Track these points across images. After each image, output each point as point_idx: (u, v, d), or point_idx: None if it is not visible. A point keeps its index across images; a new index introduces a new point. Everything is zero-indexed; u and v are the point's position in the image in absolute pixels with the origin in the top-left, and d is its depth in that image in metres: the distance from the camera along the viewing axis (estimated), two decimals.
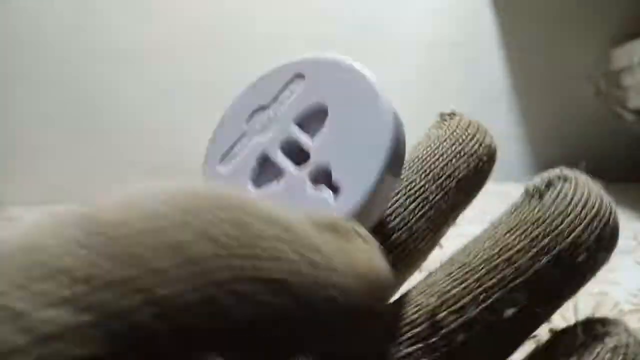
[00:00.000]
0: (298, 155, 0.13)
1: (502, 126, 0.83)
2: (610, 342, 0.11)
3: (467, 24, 0.82)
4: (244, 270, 0.07)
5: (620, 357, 0.10)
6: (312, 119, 0.13)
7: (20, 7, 0.80)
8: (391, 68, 0.83)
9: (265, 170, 0.13)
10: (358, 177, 0.12)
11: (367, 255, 0.10)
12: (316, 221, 0.09)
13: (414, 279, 0.15)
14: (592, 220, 0.12)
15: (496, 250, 0.12)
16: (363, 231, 0.10)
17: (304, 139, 0.13)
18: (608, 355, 0.10)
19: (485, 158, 0.15)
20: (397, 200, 0.15)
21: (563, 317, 0.30)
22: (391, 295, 0.12)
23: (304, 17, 0.82)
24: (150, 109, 0.83)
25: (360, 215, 0.12)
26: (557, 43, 0.82)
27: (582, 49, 0.81)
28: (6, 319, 0.06)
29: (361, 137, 0.12)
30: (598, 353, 0.11)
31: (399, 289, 0.14)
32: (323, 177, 0.12)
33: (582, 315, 0.30)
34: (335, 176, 0.12)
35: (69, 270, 0.06)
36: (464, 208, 0.16)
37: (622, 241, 0.43)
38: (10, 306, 0.06)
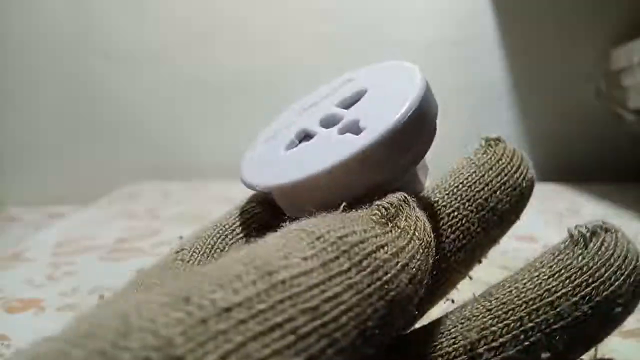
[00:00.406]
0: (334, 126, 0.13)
1: (502, 126, 0.83)
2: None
3: (467, 24, 0.82)
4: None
5: None
6: (353, 102, 0.14)
7: (18, 7, 0.80)
8: None
9: (301, 142, 0.14)
10: (381, 118, 0.12)
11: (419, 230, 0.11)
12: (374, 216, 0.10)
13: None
14: (631, 273, 0.12)
15: (539, 293, 0.12)
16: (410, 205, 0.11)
17: (340, 111, 0.13)
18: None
19: (527, 192, 0.15)
20: (439, 228, 0.14)
21: None
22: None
23: (303, 17, 0.82)
24: (150, 109, 0.83)
25: (383, 153, 0.12)
26: (557, 43, 0.82)
27: (582, 49, 0.81)
28: None
29: (391, 96, 0.13)
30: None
31: (426, 313, 0.14)
32: (351, 129, 0.13)
33: None
34: (361, 123, 0.13)
35: None
36: (498, 242, 0.16)
37: None
38: None
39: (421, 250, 0.10)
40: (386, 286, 0.09)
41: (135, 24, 0.82)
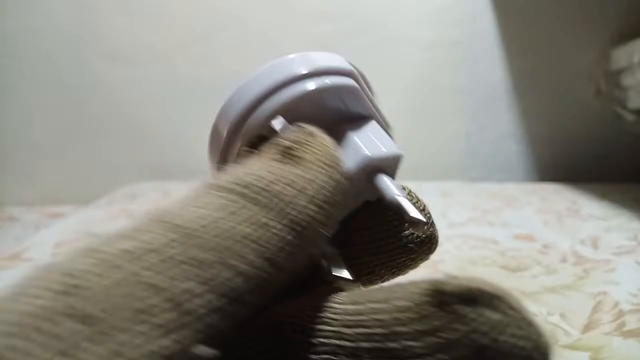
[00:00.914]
0: None
1: (502, 126, 0.83)
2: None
3: (467, 24, 0.82)
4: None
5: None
6: None
7: (18, 7, 0.80)
8: (391, 68, 0.83)
9: None
10: None
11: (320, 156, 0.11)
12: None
13: None
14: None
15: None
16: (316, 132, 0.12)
17: None
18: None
19: None
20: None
21: (562, 316, 0.30)
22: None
23: (303, 17, 0.82)
24: (149, 109, 0.83)
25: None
26: (557, 43, 0.82)
27: (582, 49, 0.81)
28: None
29: None
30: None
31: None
32: None
33: (581, 316, 0.30)
34: None
35: None
36: None
37: (622, 241, 0.44)
38: None
39: (325, 178, 0.11)
40: (287, 214, 0.10)
41: (135, 24, 0.82)
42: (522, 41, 0.82)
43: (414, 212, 0.12)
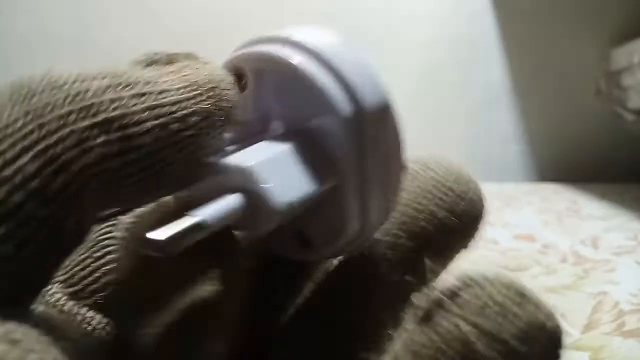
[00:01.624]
0: None
1: (502, 126, 0.84)
2: (466, 295, 0.08)
3: (467, 24, 0.82)
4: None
5: (481, 311, 0.08)
6: None
7: (18, 7, 0.80)
8: (391, 68, 0.83)
9: None
10: None
11: (203, 70, 0.10)
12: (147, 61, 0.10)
13: None
14: None
15: None
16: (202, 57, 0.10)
17: None
18: (464, 311, 0.08)
19: None
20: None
21: (562, 316, 0.30)
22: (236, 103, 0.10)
23: (303, 16, 0.82)
24: None
25: None
26: (557, 43, 0.82)
27: (582, 49, 0.81)
28: None
29: None
30: (452, 310, 0.08)
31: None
32: None
33: (581, 316, 0.30)
34: None
35: None
36: None
37: (622, 241, 0.44)
38: None
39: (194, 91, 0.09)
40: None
41: (135, 24, 0.82)
42: (522, 41, 0.82)
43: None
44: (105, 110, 0.08)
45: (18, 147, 0.08)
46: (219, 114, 0.09)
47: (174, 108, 0.09)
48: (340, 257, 0.12)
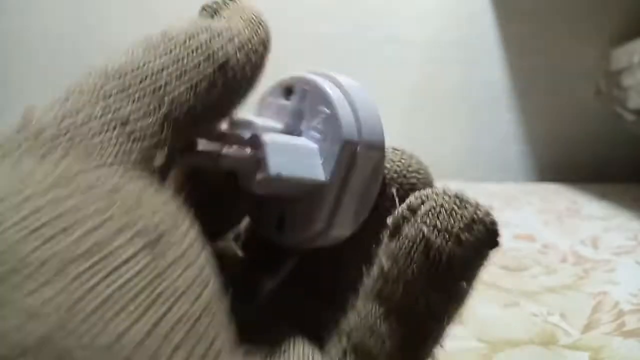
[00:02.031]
0: None
1: (502, 126, 0.84)
2: (422, 209, 0.12)
3: (467, 24, 0.82)
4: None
5: (433, 217, 0.11)
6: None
7: (18, 7, 0.80)
8: (391, 68, 0.83)
9: None
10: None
11: (246, 14, 0.13)
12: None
13: None
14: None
15: None
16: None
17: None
18: (418, 220, 0.11)
19: None
20: None
21: (562, 315, 0.30)
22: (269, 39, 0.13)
23: (303, 16, 0.82)
24: None
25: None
26: (557, 43, 0.82)
27: (582, 49, 0.81)
28: None
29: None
30: (414, 221, 0.11)
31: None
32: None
33: (581, 316, 0.30)
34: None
35: None
36: None
37: (622, 241, 0.44)
38: None
39: (246, 28, 0.13)
40: (211, 55, 0.11)
41: (135, 24, 0.82)
42: (522, 41, 0.82)
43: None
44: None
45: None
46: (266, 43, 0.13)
47: (250, 44, 0.12)
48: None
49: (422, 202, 0.12)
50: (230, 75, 0.12)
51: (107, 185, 0.09)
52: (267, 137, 0.13)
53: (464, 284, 0.11)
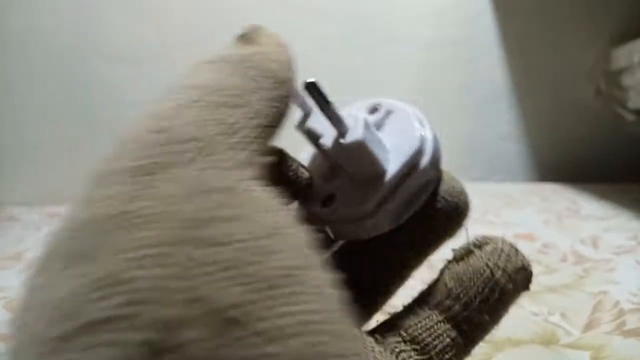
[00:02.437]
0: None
1: (502, 126, 0.84)
2: (488, 247, 0.15)
3: (467, 24, 0.82)
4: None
5: (497, 256, 0.15)
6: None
7: (18, 6, 0.80)
8: (391, 68, 0.83)
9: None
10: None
11: (277, 40, 0.16)
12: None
13: None
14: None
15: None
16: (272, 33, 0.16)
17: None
18: (486, 255, 0.15)
19: None
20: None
21: (563, 315, 0.30)
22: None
23: (303, 16, 0.82)
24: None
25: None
26: (557, 43, 0.82)
27: (582, 49, 0.81)
28: None
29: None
30: (480, 255, 0.15)
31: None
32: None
33: (581, 316, 0.30)
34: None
35: None
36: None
37: (622, 241, 0.44)
38: None
39: (277, 49, 0.15)
40: (273, 75, 0.14)
41: (136, 24, 0.82)
42: (522, 41, 0.82)
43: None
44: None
45: None
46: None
47: (289, 64, 0.15)
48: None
49: (487, 243, 0.15)
50: (285, 90, 0.14)
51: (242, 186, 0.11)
52: (363, 115, 0.16)
53: (504, 312, 0.15)
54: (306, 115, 0.17)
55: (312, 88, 0.16)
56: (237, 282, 0.08)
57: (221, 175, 0.10)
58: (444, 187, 0.17)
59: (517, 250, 0.15)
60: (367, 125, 0.15)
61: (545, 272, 0.36)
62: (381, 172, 0.15)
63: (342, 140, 0.15)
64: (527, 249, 0.41)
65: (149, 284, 0.08)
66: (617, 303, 0.30)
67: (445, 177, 0.17)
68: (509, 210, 0.57)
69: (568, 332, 0.27)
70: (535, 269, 0.39)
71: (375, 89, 0.81)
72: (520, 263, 0.15)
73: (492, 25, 0.82)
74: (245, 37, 0.16)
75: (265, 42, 0.16)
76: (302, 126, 0.16)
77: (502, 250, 0.15)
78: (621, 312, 0.29)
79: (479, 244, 0.15)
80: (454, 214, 0.17)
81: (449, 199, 0.17)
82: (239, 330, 0.08)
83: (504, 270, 0.15)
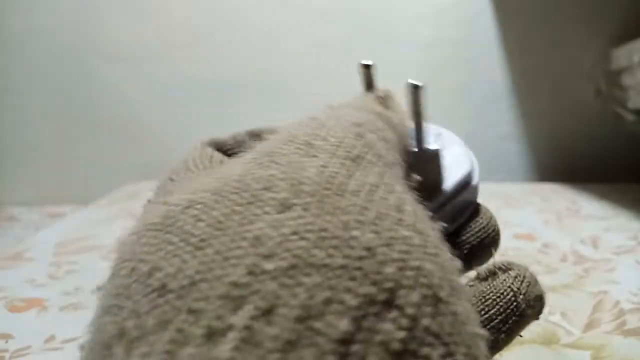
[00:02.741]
0: None
1: (502, 126, 0.84)
2: (512, 272, 0.16)
3: (467, 24, 0.82)
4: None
5: (519, 282, 0.16)
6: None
7: (18, 6, 0.80)
8: (391, 68, 0.83)
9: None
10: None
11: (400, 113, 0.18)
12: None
13: None
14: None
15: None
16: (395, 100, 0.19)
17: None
18: (510, 279, 0.16)
19: None
20: None
21: (563, 315, 0.30)
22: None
23: (303, 16, 0.82)
24: (150, 108, 0.83)
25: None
26: (557, 43, 0.82)
27: (582, 49, 0.81)
28: None
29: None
30: (504, 278, 0.16)
31: None
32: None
33: (582, 315, 0.30)
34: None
35: None
36: None
37: (622, 241, 0.44)
38: None
39: (404, 115, 0.18)
40: (402, 133, 0.16)
41: (135, 24, 0.82)
42: (522, 41, 0.82)
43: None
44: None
45: None
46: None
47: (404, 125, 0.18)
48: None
49: (511, 268, 0.17)
50: (399, 134, 0.16)
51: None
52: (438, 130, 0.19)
53: (517, 334, 0.16)
54: None
55: (417, 91, 0.18)
56: (438, 266, 0.10)
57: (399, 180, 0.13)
58: (484, 219, 0.20)
59: (536, 280, 0.17)
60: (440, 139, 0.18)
61: (546, 272, 0.36)
62: (440, 182, 0.18)
63: (423, 147, 0.17)
64: (527, 249, 0.41)
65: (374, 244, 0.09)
66: (617, 303, 0.30)
67: (484, 209, 0.20)
68: (509, 210, 0.57)
69: (568, 332, 0.27)
70: (535, 269, 0.40)
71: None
72: (539, 292, 0.17)
73: (492, 25, 0.82)
74: (384, 99, 0.19)
75: (397, 108, 0.19)
76: None
77: (524, 277, 0.17)
78: (621, 312, 0.29)
79: (505, 268, 0.17)
80: (486, 245, 0.19)
81: (487, 230, 0.20)
82: (442, 307, 0.09)
83: (524, 295, 0.16)
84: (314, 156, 0.12)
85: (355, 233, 0.09)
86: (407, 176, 0.16)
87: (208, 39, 0.82)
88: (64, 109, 0.83)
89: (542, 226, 0.50)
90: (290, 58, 0.82)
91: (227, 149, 0.19)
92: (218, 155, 0.18)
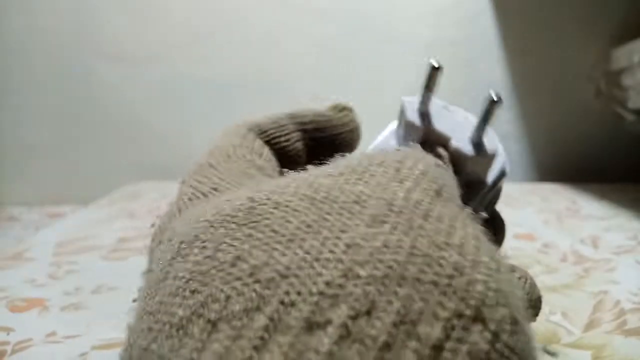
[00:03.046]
0: None
1: (502, 126, 0.84)
2: (516, 274, 0.18)
3: (467, 24, 0.82)
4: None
5: (523, 283, 0.18)
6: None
7: (18, 6, 0.80)
8: (391, 68, 0.83)
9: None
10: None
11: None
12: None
13: None
14: None
15: None
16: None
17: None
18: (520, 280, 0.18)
19: None
20: None
21: (563, 314, 0.30)
22: None
23: (303, 16, 0.82)
24: (150, 109, 0.83)
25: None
26: (557, 43, 0.82)
27: (582, 49, 0.81)
28: None
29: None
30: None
31: None
32: None
33: (582, 315, 0.30)
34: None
35: None
36: None
37: (622, 241, 0.44)
38: None
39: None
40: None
41: (135, 24, 0.82)
42: (522, 41, 0.82)
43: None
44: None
45: None
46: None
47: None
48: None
49: (515, 270, 0.18)
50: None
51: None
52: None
53: None
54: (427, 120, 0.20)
55: (497, 103, 0.19)
56: (511, 290, 0.11)
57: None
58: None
59: (535, 284, 0.18)
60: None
61: (546, 272, 0.36)
62: (486, 176, 0.19)
63: (484, 147, 0.19)
64: (527, 249, 0.41)
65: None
66: (617, 303, 0.31)
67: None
68: (509, 210, 0.57)
69: (569, 332, 0.27)
70: (536, 269, 0.39)
71: (375, 89, 0.81)
72: (538, 294, 0.18)
73: (492, 25, 0.82)
74: (442, 158, 0.20)
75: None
76: (430, 128, 0.20)
77: (526, 279, 0.18)
78: (622, 312, 0.29)
79: (513, 269, 0.18)
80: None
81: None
82: (518, 326, 0.10)
83: (528, 296, 0.17)
84: (401, 182, 0.12)
85: (444, 253, 0.10)
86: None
87: (208, 39, 0.82)
88: (64, 109, 0.83)
89: (542, 226, 0.50)
90: (290, 58, 0.82)
91: (269, 136, 0.20)
92: (259, 147, 0.19)
